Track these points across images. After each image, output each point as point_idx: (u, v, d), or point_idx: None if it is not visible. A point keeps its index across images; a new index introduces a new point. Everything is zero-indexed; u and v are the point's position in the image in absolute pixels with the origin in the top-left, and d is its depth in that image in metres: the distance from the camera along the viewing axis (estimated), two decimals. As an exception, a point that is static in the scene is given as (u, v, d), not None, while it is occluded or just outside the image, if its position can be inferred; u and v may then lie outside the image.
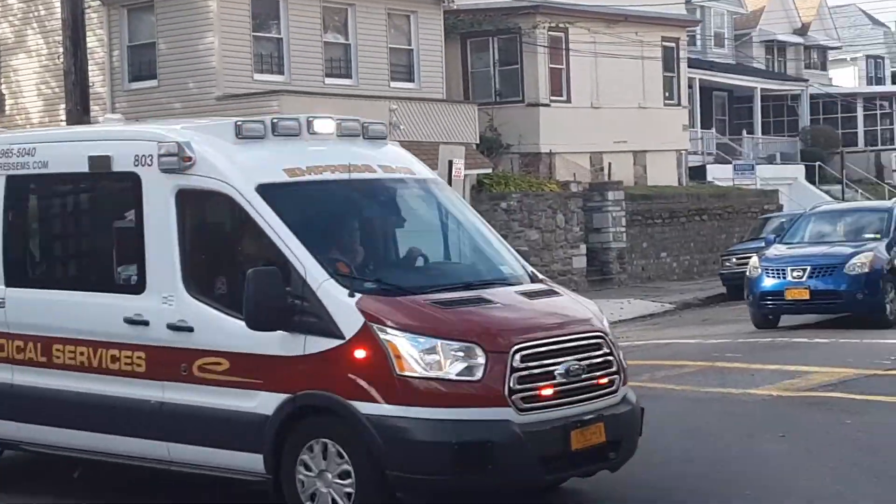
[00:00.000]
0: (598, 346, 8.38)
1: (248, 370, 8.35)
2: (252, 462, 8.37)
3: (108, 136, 9.62)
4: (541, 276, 9.31)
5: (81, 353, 9.24)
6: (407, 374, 7.76)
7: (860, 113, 53.69)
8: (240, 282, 8.36)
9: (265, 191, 8.49)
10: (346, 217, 9.07)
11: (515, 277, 9.04)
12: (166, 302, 8.76)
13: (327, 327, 7.99)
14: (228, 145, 8.79)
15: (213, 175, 8.63)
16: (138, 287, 9.01)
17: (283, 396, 8.17)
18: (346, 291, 8.02)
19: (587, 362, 8.20)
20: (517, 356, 7.86)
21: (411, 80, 30.14)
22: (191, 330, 8.63)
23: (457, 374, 7.74)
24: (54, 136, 10.74)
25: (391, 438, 7.72)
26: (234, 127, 8.81)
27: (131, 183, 9.08)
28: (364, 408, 7.80)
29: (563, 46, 33.96)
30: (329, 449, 8.05)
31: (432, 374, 7.75)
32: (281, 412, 8.18)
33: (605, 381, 8.35)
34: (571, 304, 8.79)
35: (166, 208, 8.81)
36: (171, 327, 8.71)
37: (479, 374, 7.75)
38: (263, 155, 8.84)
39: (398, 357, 7.75)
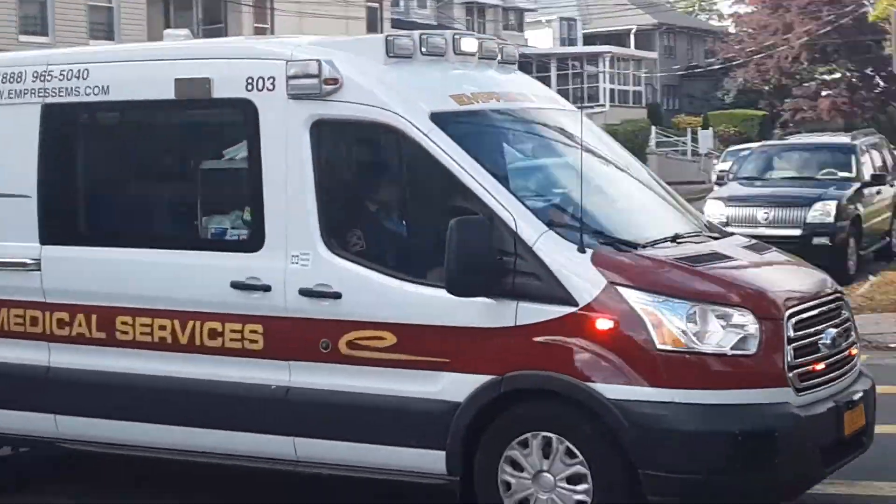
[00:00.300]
0: (841, 309, 6.98)
1: (426, 346, 6.52)
2: (426, 460, 6.58)
3: (205, 54, 7.49)
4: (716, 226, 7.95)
5: (162, 328, 7.19)
6: (670, 348, 6.09)
7: (554, 73, 56.09)
8: (407, 235, 6.84)
9: (442, 122, 6.66)
10: (531, 155, 7.36)
11: (705, 228, 7.53)
12: (297, 261, 6.82)
13: (551, 291, 6.24)
14: (378, 66, 6.88)
15: (370, 102, 6.73)
16: (251, 243, 7.01)
17: (482, 378, 6.37)
18: (574, 246, 6.39)
19: (842, 328, 6.81)
20: (790, 323, 6.37)
21: (111, 38, 30.30)
22: (336, 296, 6.72)
23: (731, 348, 6.19)
24: (120, 54, 8.25)
25: (650, 429, 6.06)
26: (385, 43, 6.92)
27: (242, 113, 7.06)
28: (611, 391, 6.11)
29: (268, 6, 35.15)
30: (553, 445, 6.31)
31: (703, 347, 6.09)
32: (479, 398, 6.39)
33: (854, 350, 7.00)
34: (795, 260, 7.40)
35: (297, 144, 6.84)
36: (307, 293, 6.78)
37: (753, 347, 6.14)
38: (421, 78, 7.02)
39: (658, 327, 6.13)
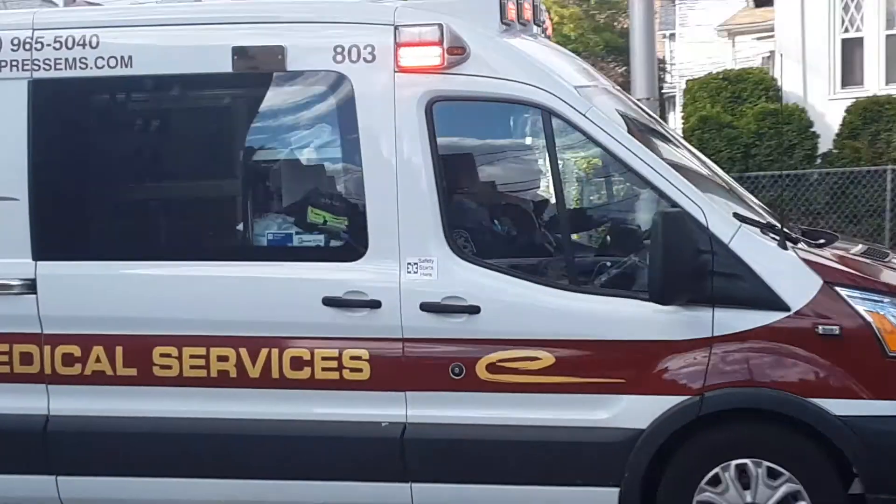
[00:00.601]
0: None
1: (594, 366, 5.48)
2: (594, 500, 5.56)
3: (274, 15, 5.91)
4: None
5: (222, 359, 5.71)
6: None
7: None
8: (559, 235, 5.78)
9: (591, 100, 5.72)
10: (657, 141, 6.28)
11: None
12: (416, 270, 5.61)
13: (755, 294, 5.36)
14: (495, 34, 5.72)
15: (506, 75, 5.58)
16: (349, 250, 5.73)
17: (672, 400, 5.41)
18: (772, 242, 5.54)
19: None
20: None
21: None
22: (473, 311, 5.54)
23: None
24: (147, 17, 6.18)
25: (884, 449, 5.32)
26: (499, 7, 5.74)
27: (329, 89, 5.75)
28: (838, 407, 5.33)
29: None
30: (750, 470, 5.45)
31: (938, 353, 5.40)
32: (669, 423, 5.42)
33: None
34: None
35: (410, 128, 5.59)
36: (432, 308, 5.56)
37: None
38: (537, 48, 5.99)
39: (889, 332, 5.41)
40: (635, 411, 5.47)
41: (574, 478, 5.56)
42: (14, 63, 5.91)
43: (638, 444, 5.46)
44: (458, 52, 5.58)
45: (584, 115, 5.55)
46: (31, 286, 5.87)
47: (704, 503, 5.50)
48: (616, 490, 5.52)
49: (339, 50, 5.65)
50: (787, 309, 5.38)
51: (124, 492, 5.91)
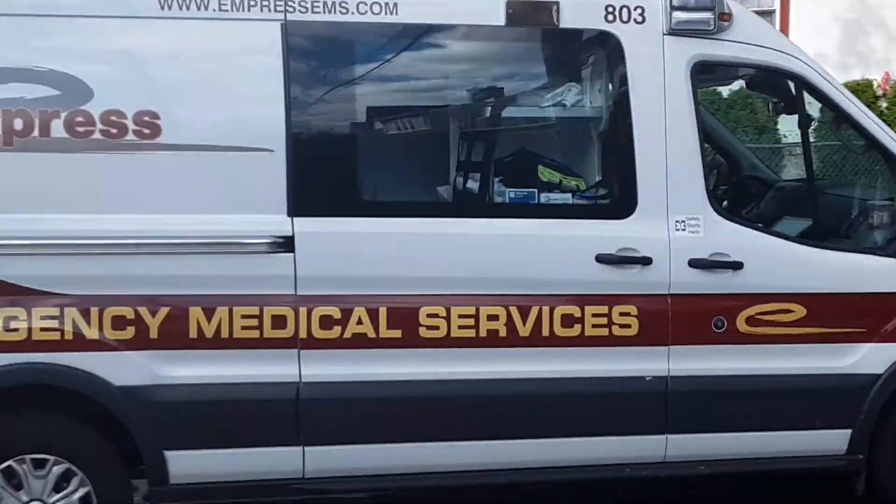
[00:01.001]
0: None
1: (840, 317, 5.97)
2: (828, 441, 6.07)
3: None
4: None
5: (492, 318, 5.62)
6: None
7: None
8: (808, 196, 6.34)
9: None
10: None
11: None
12: (684, 228, 5.80)
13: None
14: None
15: (767, 43, 5.90)
16: (619, 207, 5.80)
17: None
18: None
19: None
20: None
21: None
22: (737, 266, 5.83)
23: None
24: None
25: None
26: None
27: (598, 47, 5.84)
28: None
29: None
30: None
31: None
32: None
33: None
34: None
35: (677, 90, 5.77)
36: (699, 264, 5.80)
37: None
38: None
39: None
40: (874, 358, 6.03)
41: (815, 421, 6.04)
42: (265, 3, 5.46)
43: (875, 388, 6.03)
44: (726, 18, 5.84)
45: (832, 85, 6.02)
46: (286, 244, 5.46)
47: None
48: (849, 432, 6.06)
49: (610, 10, 5.72)
50: None
51: (380, 460, 5.67)
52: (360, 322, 5.54)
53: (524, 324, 5.67)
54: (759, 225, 6.09)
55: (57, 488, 5.41)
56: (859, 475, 6.11)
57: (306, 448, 5.58)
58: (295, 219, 5.47)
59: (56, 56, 5.27)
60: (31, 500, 5.35)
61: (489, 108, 6.08)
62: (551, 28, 5.73)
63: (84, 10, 5.31)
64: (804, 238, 6.06)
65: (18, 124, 5.24)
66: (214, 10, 5.38)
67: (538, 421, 5.76)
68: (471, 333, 5.62)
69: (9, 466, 5.33)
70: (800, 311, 5.93)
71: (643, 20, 5.75)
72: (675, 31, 5.78)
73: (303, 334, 5.49)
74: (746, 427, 5.99)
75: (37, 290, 5.28)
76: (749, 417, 5.98)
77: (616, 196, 5.90)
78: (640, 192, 5.77)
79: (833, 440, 6.07)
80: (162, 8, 5.33)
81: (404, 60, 5.82)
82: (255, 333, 5.45)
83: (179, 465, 5.46)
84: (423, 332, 5.59)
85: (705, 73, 6.11)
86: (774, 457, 6.06)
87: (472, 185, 6.04)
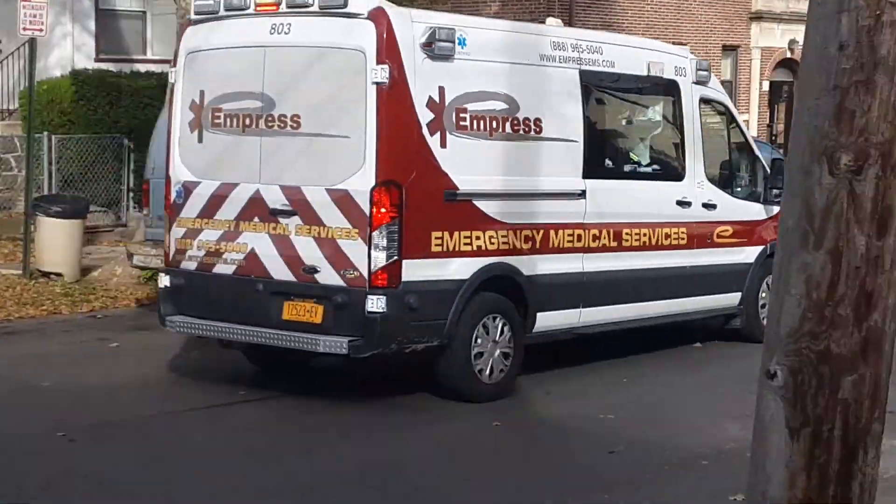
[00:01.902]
0: None
1: (742, 233, 11.88)
2: (733, 299, 11.87)
3: (656, 48, 11.61)
4: None
5: (644, 235, 10.80)
6: None
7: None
8: (732, 172, 12.15)
9: None
10: None
11: None
12: (700, 187, 11.42)
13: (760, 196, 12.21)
14: None
15: (717, 90, 12.09)
16: (680, 175, 11.33)
17: (759, 248, 11.97)
18: None
19: None
20: None
21: None
22: (715, 207, 11.57)
23: None
24: (616, 40, 11.69)
25: None
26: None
27: (673, 89, 11.28)
28: None
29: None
30: None
31: None
32: (759, 257, 11.91)
33: None
34: None
35: (695, 112, 11.40)
36: (705, 206, 11.45)
37: None
38: None
39: None
40: (751, 254, 11.89)
41: (732, 287, 11.86)
42: (570, 58, 10.29)
43: (751, 270, 11.91)
44: (708, 78, 11.86)
45: (734, 113, 12.24)
46: (582, 194, 10.24)
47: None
48: (740, 293, 11.93)
49: (677, 69, 11.36)
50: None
51: (612, 312, 10.62)
52: (604, 237, 10.38)
53: (653, 238, 10.86)
54: (722, 188, 11.79)
55: (499, 333, 9.50)
56: (741, 316, 11.99)
57: (583, 309, 10.30)
58: (586, 180, 10.22)
59: (500, 84, 9.47)
60: (494, 342, 9.43)
61: (629, 121, 11.57)
62: (660, 76, 11.10)
63: (507, 58, 9.58)
64: (733, 194, 11.92)
65: (493, 124, 9.44)
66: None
67: (666, 288, 11.05)
68: (635, 243, 10.68)
69: (484, 322, 9.34)
70: (732, 230, 11.72)
71: (685, 76, 11.37)
72: (696, 82, 11.48)
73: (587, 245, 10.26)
74: (711, 291, 11.57)
75: (497, 220, 9.42)
76: (713, 286, 11.53)
77: (679, 168, 11.40)
78: (686, 167, 11.31)
79: (735, 298, 11.91)
80: (542, 60, 9.90)
81: (610, 97, 11.06)
82: (570, 244, 10.08)
83: (540, 320, 9.84)
84: (623, 243, 10.58)
85: (702, 103, 11.64)
86: (710, 309, 11.76)
87: (624, 163, 11.09)
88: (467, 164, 9.10)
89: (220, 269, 9.31)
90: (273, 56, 9.09)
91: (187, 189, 9.56)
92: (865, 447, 3.15)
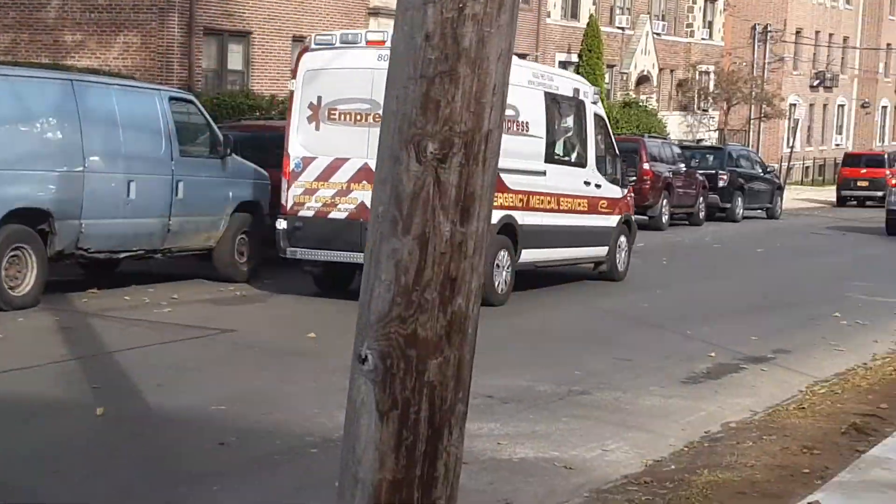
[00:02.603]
0: None
1: (610, 206, 17.83)
2: (603, 251, 17.81)
3: (576, 78, 18.38)
4: None
5: (569, 202, 16.63)
6: None
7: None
8: (605, 163, 17.94)
9: None
10: None
11: None
12: (593, 172, 17.28)
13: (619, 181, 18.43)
14: None
15: (601, 108, 17.93)
16: (584, 164, 17.20)
17: (618, 217, 18.15)
18: None
19: None
20: None
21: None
22: (600, 187, 17.47)
23: None
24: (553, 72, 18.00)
25: None
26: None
27: (582, 106, 17.04)
28: None
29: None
30: None
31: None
32: (618, 223, 18.13)
33: None
34: None
35: (591, 122, 17.20)
36: (595, 185, 17.30)
37: None
38: None
39: None
40: (614, 221, 18.17)
41: (603, 241, 18.18)
42: (537, 82, 16.17)
43: (612, 231, 18.21)
44: (596, 100, 18.57)
45: (606, 116, 16.48)
46: (545, 173, 16.08)
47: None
48: (607, 247, 18.14)
49: (580, 92, 17.20)
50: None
51: (544, 254, 16.52)
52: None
53: (573, 205, 16.66)
54: (602, 174, 17.66)
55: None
56: (606, 263, 18.15)
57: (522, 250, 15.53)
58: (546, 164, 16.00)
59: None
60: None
61: (563, 129, 16.94)
62: (576, 97, 16.93)
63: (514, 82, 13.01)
64: (607, 178, 17.80)
65: (514, 127, 14.89)
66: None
67: (575, 239, 16.82)
68: (567, 207, 16.49)
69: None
70: (606, 203, 17.64)
71: (588, 98, 17.20)
72: (592, 102, 17.40)
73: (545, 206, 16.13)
74: (597, 244, 17.58)
75: (508, 188, 14.70)
76: (597, 240, 17.52)
77: (584, 160, 17.26)
78: (588, 159, 17.16)
79: (604, 250, 17.83)
80: (528, 84, 15.23)
81: (555, 109, 16.78)
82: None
83: (524, 255, 15.36)
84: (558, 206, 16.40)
85: (594, 116, 17.51)
86: (590, 257, 17.75)
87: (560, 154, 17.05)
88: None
89: (334, 215, 14.01)
90: (380, 76, 11.62)
91: (305, 161, 14.11)
92: (450, 428, 3.25)
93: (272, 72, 28.64)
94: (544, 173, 15.57)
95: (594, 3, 46.62)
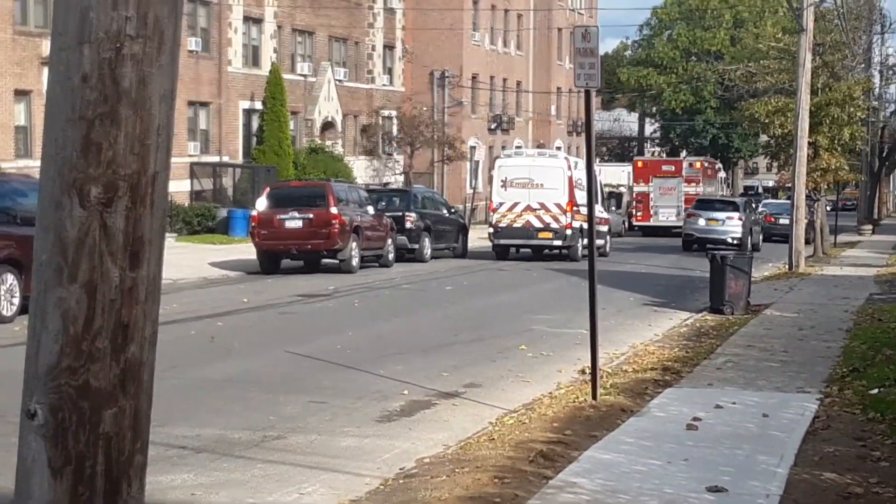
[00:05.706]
0: None
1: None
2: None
3: (567, 156, 39.28)
4: None
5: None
6: None
7: None
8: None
9: None
10: None
11: None
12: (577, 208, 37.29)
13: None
14: None
15: (581, 169, 31.86)
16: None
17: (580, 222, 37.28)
18: None
19: None
20: None
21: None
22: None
23: None
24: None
25: None
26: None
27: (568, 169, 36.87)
28: None
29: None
30: None
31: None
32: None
33: None
34: None
35: (576, 177, 36.11)
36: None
37: None
38: None
39: None
40: None
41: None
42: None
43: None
44: (572, 166, 38.78)
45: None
46: None
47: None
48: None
49: (567, 165, 37.52)
50: None
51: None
52: None
53: None
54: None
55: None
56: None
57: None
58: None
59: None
60: None
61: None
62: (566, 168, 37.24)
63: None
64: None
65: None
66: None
67: None
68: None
69: None
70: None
71: (573, 165, 37.46)
72: (575, 167, 37.43)
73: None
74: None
75: None
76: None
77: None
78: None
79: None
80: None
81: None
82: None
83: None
84: None
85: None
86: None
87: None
88: None
89: (516, 224, 36.10)
90: (535, 168, 36.23)
91: (500, 203, 36.21)
92: (129, 480, 3.14)
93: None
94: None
95: (275, 52, 46.84)
